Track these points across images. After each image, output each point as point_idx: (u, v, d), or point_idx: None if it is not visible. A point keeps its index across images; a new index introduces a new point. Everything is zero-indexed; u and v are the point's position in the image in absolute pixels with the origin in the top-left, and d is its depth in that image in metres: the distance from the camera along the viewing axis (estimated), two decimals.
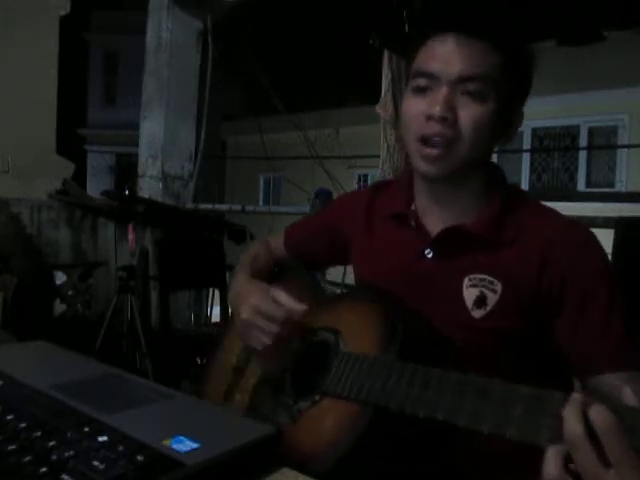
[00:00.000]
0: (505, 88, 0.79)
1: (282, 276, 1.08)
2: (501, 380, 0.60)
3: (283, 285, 0.99)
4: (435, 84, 0.79)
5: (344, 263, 1.09)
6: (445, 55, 0.79)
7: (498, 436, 0.56)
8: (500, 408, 0.57)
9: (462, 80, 0.78)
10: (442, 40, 0.80)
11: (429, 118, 0.78)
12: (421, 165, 0.82)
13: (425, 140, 0.80)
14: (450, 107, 0.78)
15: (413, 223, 0.89)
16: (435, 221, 0.87)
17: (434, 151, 0.79)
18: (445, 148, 0.78)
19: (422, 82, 0.81)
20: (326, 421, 0.72)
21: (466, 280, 0.82)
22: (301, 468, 0.61)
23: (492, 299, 0.80)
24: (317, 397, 0.76)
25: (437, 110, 0.77)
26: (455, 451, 0.76)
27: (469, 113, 0.78)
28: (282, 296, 0.84)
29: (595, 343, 0.77)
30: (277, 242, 1.12)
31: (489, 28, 0.80)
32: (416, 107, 0.81)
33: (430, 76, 0.80)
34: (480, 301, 0.81)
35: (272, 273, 1.07)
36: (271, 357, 0.87)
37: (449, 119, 0.77)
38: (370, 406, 0.69)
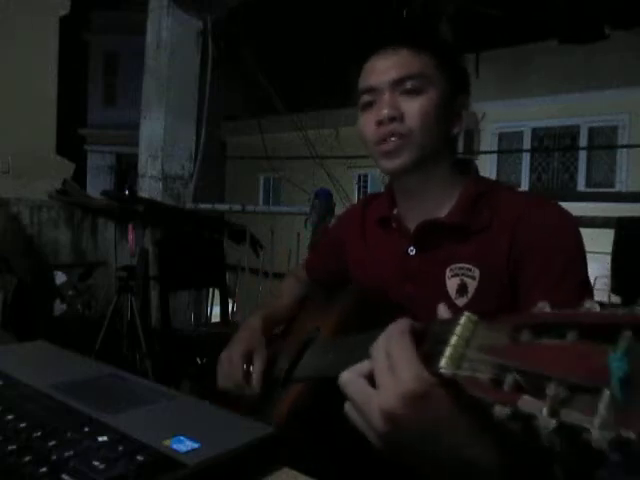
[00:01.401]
0: (441, 79, 0.87)
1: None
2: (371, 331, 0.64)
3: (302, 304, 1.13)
4: (377, 95, 0.88)
5: None
6: (378, 68, 0.88)
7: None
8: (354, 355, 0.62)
9: (398, 82, 0.86)
10: (372, 59, 0.90)
11: (380, 123, 0.86)
12: (382, 163, 0.88)
13: (380, 141, 0.87)
14: (394, 107, 0.85)
15: (394, 225, 0.95)
16: (413, 220, 0.92)
17: (389, 144, 0.86)
18: (399, 141, 0.85)
19: (366, 98, 0.89)
20: (286, 401, 0.81)
21: (448, 271, 0.86)
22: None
23: (472, 286, 0.84)
24: (290, 385, 0.85)
25: (384, 113, 0.85)
26: None
27: (412, 106, 0.85)
28: (257, 364, 0.96)
29: (546, 294, 0.77)
30: (302, 273, 1.20)
31: (406, 38, 0.89)
32: (367, 120, 0.89)
33: (371, 90, 0.88)
34: (462, 289, 0.84)
35: (293, 307, 1.14)
36: (280, 351, 0.98)
37: (397, 117, 0.85)
38: (315, 381, 0.78)
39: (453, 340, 0.46)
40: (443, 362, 0.46)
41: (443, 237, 0.87)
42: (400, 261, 0.91)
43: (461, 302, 0.84)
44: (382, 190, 1.08)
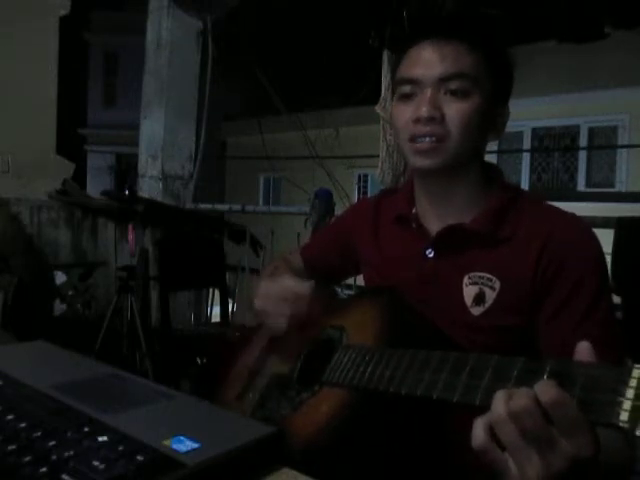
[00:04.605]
0: (487, 85, 0.83)
1: None
2: (479, 353, 0.61)
3: None
4: (419, 89, 0.83)
5: (357, 272, 1.11)
6: (425, 60, 0.83)
7: (468, 404, 0.58)
8: (469, 378, 0.59)
9: (444, 80, 0.81)
10: (421, 47, 0.84)
11: (417, 121, 0.82)
12: (415, 160, 0.85)
13: (416, 138, 0.83)
14: (436, 107, 0.81)
15: (414, 225, 0.91)
16: (435, 222, 0.89)
17: (424, 144, 0.82)
18: (435, 142, 0.82)
19: (407, 89, 0.85)
20: (321, 408, 0.75)
21: (466, 278, 0.84)
22: (298, 457, 0.62)
23: (490, 296, 0.82)
24: (317, 387, 0.79)
25: (424, 111, 0.81)
26: (444, 446, 0.77)
27: (454, 110, 0.81)
28: (288, 279, 0.91)
29: (576, 328, 0.77)
30: (295, 259, 1.15)
31: (463, 30, 0.84)
32: (404, 113, 0.85)
33: (413, 82, 0.84)
34: (479, 298, 0.82)
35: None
36: (286, 348, 0.92)
37: (436, 118, 0.81)
38: (360, 390, 0.72)
39: (629, 393, 0.46)
40: (625, 416, 0.46)
41: (465, 243, 0.85)
42: (416, 262, 0.89)
43: (477, 311, 0.82)
44: (380, 189, 1.06)
